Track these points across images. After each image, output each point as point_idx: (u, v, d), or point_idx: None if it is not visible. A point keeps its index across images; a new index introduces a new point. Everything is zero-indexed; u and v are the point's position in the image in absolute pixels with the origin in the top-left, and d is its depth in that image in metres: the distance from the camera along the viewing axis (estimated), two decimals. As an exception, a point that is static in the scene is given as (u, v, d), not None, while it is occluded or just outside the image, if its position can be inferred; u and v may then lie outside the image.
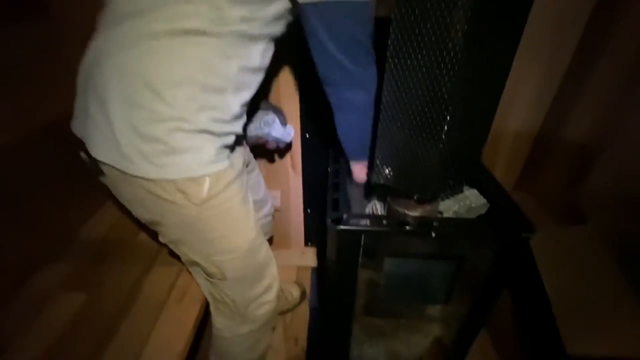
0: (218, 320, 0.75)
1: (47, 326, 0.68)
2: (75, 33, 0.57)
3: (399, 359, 0.85)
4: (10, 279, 0.72)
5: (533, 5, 0.46)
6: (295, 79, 0.90)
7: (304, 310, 1.17)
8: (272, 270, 0.73)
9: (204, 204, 0.55)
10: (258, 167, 0.87)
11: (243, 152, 0.68)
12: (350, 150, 0.64)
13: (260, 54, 0.53)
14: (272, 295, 0.74)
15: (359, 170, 0.66)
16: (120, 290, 0.78)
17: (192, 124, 0.49)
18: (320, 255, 1.30)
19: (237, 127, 0.57)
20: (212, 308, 0.75)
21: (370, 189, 0.68)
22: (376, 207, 0.65)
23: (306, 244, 1.29)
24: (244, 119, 0.60)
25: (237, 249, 0.62)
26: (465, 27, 0.40)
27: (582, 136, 0.96)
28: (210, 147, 0.52)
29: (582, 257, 0.72)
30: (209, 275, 0.66)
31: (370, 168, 0.61)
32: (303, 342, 1.07)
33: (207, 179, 0.53)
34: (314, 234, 1.25)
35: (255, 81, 0.56)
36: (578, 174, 1.00)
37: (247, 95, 0.56)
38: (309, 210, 1.17)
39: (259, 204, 0.86)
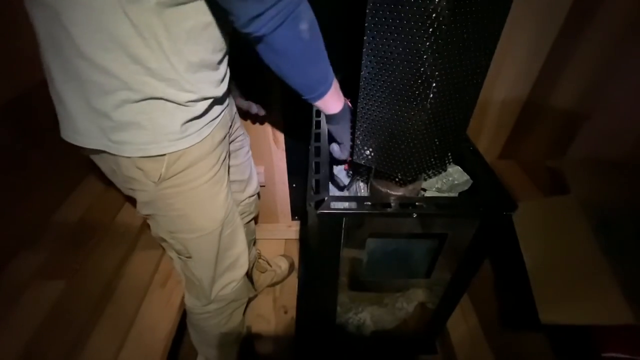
0: (187, 296, 0.74)
1: (26, 316, 0.67)
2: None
3: (384, 324, 0.89)
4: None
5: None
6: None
7: (293, 281, 1.19)
8: (238, 250, 0.71)
9: (162, 182, 0.52)
10: (249, 145, 0.82)
11: (227, 125, 0.62)
12: (304, 90, 0.51)
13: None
14: (237, 274, 0.72)
15: (333, 102, 0.54)
16: (101, 276, 0.76)
17: (139, 92, 0.43)
18: (305, 230, 1.30)
19: (211, 90, 0.51)
20: (183, 284, 0.74)
21: (353, 168, 0.66)
22: (359, 186, 0.64)
23: (293, 218, 1.29)
24: (219, 85, 0.53)
25: (200, 229, 0.60)
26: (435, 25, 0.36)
27: (567, 105, 0.94)
28: (170, 121, 0.47)
29: (561, 227, 0.73)
30: (177, 252, 0.65)
31: (351, 147, 0.58)
32: (292, 311, 1.10)
33: (166, 158, 0.50)
34: (301, 208, 1.24)
35: (207, 35, 0.47)
36: (562, 141, 1.00)
37: (202, 51, 0.47)
38: (294, 185, 1.15)
39: (243, 184, 0.83)
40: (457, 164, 0.64)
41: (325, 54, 0.49)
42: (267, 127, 1.00)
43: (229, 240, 0.67)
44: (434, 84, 0.42)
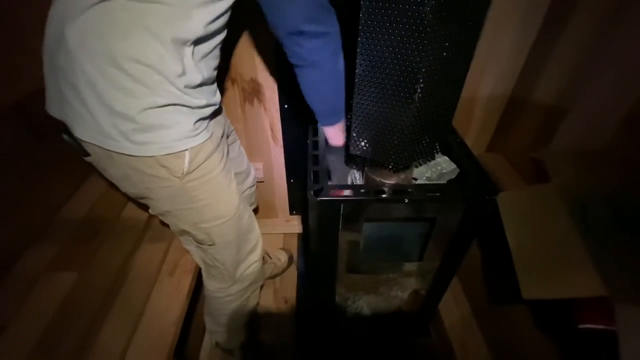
0: (210, 283, 0.80)
1: (40, 306, 0.70)
2: (36, 12, 0.54)
3: (380, 311, 0.94)
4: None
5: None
6: (271, 50, 0.88)
7: (292, 273, 1.24)
8: (256, 233, 0.79)
9: (187, 176, 0.57)
10: (239, 140, 0.88)
11: (222, 123, 0.69)
12: (320, 114, 0.63)
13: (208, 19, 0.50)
14: (257, 255, 0.80)
15: (334, 135, 0.65)
16: (111, 267, 0.80)
17: (164, 98, 0.49)
18: (305, 223, 1.35)
19: (212, 98, 0.58)
20: (203, 273, 0.80)
21: (349, 159, 0.70)
22: (355, 176, 0.68)
23: (291, 213, 1.34)
24: (217, 90, 0.61)
25: (223, 216, 0.66)
26: (433, 1, 0.40)
27: (548, 100, 1.00)
28: (187, 121, 0.53)
29: (541, 213, 0.78)
30: (198, 242, 0.70)
31: (347, 139, 0.63)
32: (292, 301, 1.15)
33: (187, 153, 0.55)
34: (299, 202, 1.29)
35: (215, 44, 0.55)
36: (545, 135, 1.06)
37: (213, 61, 0.56)
38: (292, 180, 1.20)
39: (242, 176, 0.88)
40: (445, 154, 0.69)
41: (341, 83, 0.57)
42: (266, 125, 1.05)
43: (248, 224, 0.74)
44: (421, 80, 0.47)
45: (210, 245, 0.69)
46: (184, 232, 0.68)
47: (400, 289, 0.87)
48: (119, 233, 0.87)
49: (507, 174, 1.04)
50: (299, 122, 1.00)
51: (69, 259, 0.79)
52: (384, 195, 0.57)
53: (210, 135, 0.59)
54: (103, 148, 0.52)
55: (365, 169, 0.66)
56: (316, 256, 0.68)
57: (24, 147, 0.77)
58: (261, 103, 0.99)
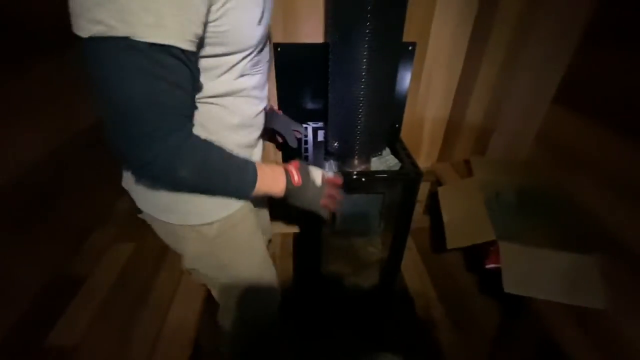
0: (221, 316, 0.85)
1: (108, 269, 0.96)
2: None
3: (353, 269, 1.22)
4: (72, 239, 0.93)
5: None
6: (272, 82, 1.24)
7: (288, 268, 1.51)
8: (275, 293, 0.82)
9: (216, 239, 0.65)
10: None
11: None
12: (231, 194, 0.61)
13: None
14: (273, 308, 0.84)
15: (271, 183, 0.60)
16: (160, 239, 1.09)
17: None
18: (301, 223, 1.64)
19: None
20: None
21: (327, 155, 1.04)
22: (332, 166, 1.02)
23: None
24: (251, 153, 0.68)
25: (245, 271, 0.73)
26: (365, 65, 0.76)
27: (478, 120, 1.37)
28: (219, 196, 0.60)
29: (465, 197, 1.11)
30: (218, 294, 0.78)
31: (325, 141, 0.96)
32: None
33: (219, 221, 0.62)
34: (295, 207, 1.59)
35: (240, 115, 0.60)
36: (479, 147, 1.42)
37: (246, 131, 0.63)
38: (288, 187, 1.51)
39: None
40: (393, 154, 1.03)
41: (225, 175, 0.54)
42: (269, 145, 1.38)
43: (268, 280, 0.79)
44: (367, 104, 0.82)
45: (227, 297, 0.77)
46: (207, 279, 0.76)
47: (368, 255, 1.17)
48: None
49: (451, 176, 1.38)
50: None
51: (128, 235, 1.07)
52: (352, 177, 0.90)
53: (243, 204, 0.66)
54: (148, 213, 0.63)
55: (339, 161, 0.99)
56: (307, 219, 0.98)
57: (93, 159, 0.98)
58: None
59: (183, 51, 0.42)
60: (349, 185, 0.95)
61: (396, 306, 1.25)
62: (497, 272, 0.92)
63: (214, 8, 0.44)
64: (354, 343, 1.14)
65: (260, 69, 0.62)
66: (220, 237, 0.65)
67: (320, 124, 1.14)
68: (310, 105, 1.18)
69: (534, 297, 0.86)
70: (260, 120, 0.68)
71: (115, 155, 0.48)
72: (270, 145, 1.35)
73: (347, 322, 1.22)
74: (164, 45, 0.40)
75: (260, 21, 0.53)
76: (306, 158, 0.97)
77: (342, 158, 0.97)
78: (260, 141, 0.74)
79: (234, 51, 0.52)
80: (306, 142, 1.06)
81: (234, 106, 0.58)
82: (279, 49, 1.06)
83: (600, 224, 0.98)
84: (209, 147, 0.52)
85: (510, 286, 0.86)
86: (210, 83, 0.53)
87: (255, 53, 0.57)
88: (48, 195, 0.82)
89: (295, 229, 1.64)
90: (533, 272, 0.88)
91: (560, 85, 1.25)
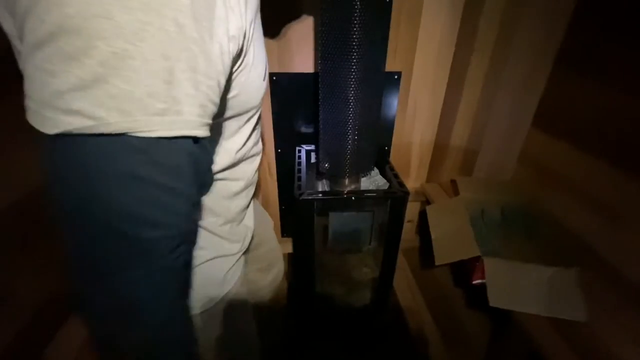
0: None
1: None
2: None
3: (347, 288, 1.24)
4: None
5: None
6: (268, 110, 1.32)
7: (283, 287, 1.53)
8: None
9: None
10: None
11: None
12: None
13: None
14: None
15: None
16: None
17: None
18: (294, 244, 1.67)
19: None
20: None
21: (318, 175, 1.10)
22: (324, 185, 1.07)
23: (283, 235, 1.67)
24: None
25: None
26: (352, 94, 0.84)
27: (463, 143, 1.44)
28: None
29: (451, 215, 1.16)
30: None
31: (316, 162, 1.02)
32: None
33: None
34: (289, 226, 1.63)
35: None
36: (465, 169, 1.49)
37: (246, 191, 0.60)
38: (283, 207, 1.56)
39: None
40: (382, 175, 1.09)
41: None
42: (265, 164, 1.44)
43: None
44: (354, 128, 0.89)
45: None
46: None
47: (360, 274, 1.20)
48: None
49: (439, 196, 1.43)
50: (288, 162, 1.40)
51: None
52: (343, 196, 0.96)
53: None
54: None
55: (330, 181, 1.04)
56: (300, 237, 1.02)
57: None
58: (263, 147, 1.40)
59: (197, 140, 0.34)
60: (340, 203, 1.00)
61: (390, 324, 1.27)
62: (484, 287, 0.95)
63: (232, 75, 0.38)
64: (348, 362, 1.15)
65: (259, 123, 0.57)
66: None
67: (312, 147, 1.21)
68: (303, 129, 1.25)
69: (518, 310, 0.89)
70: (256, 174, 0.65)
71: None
72: (265, 164, 1.41)
73: (341, 340, 1.23)
74: (173, 139, 0.31)
75: (264, 77, 0.48)
76: (299, 179, 1.03)
77: (332, 178, 1.03)
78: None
79: (236, 114, 0.46)
80: (299, 163, 1.12)
81: (237, 173, 0.54)
82: (274, 78, 1.14)
83: (579, 239, 1.03)
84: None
85: (495, 300, 0.89)
86: (215, 158, 0.46)
87: (257, 112, 0.52)
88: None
89: (289, 249, 1.67)
90: (516, 286, 0.92)
91: (537, 109, 1.34)
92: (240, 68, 0.40)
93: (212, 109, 0.35)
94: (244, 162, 0.55)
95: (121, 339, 0.36)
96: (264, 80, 0.48)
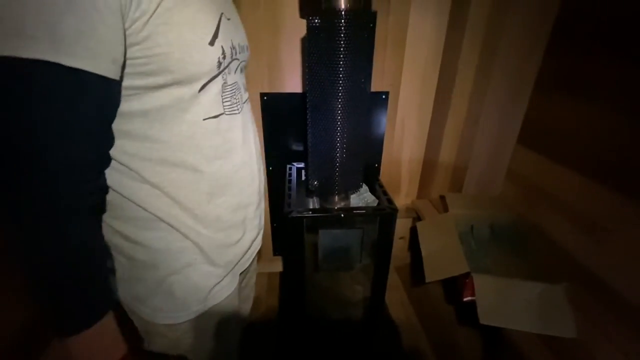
0: None
1: None
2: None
3: (339, 305, 1.22)
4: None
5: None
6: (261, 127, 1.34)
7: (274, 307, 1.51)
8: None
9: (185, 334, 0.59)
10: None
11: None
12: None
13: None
14: None
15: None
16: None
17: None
18: (285, 263, 1.66)
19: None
20: None
21: (308, 193, 1.10)
22: (314, 203, 1.07)
23: (274, 254, 1.65)
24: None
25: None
26: (339, 113, 0.86)
27: (452, 160, 1.47)
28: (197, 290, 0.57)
29: (441, 232, 1.17)
30: None
31: (306, 180, 1.03)
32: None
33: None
34: (280, 244, 1.62)
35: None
36: (455, 185, 1.51)
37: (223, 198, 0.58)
38: (275, 225, 1.55)
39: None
40: (371, 192, 1.10)
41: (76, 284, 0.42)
42: (256, 183, 1.45)
43: None
44: (342, 147, 0.90)
45: None
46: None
47: (351, 292, 1.19)
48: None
49: (429, 212, 1.44)
50: (279, 179, 1.41)
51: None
52: (332, 214, 0.96)
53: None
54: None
55: (319, 198, 1.05)
56: (291, 254, 1.01)
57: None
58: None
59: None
60: (330, 221, 1.00)
61: (383, 341, 1.25)
62: (475, 304, 0.95)
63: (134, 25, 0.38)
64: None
65: (234, 113, 0.55)
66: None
67: (303, 165, 1.22)
68: (293, 147, 1.27)
69: (508, 327, 0.89)
70: (245, 182, 0.62)
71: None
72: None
73: (334, 357, 1.21)
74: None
75: (212, 42, 0.46)
76: (289, 196, 1.03)
77: (322, 196, 1.03)
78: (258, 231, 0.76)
79: (182, 78, 0.43)
80: (290, 181, 1.13)
81: (212, 167, 0.52)
82: (265, 98, 1.16)
83: (567, 254, 1.04)
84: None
85: (485, 318, 0.88)
86: (164, 131, 0.45)
87: (213, 81, 0.48)
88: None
89: (280, 268, 1.66)
90: (506, 303, 0.91)
91: (522, 127, 1.37)
92: (151, 21, 0.39)
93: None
94: (218, 160, 0.53)
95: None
96: (211, 44, 0.46)
